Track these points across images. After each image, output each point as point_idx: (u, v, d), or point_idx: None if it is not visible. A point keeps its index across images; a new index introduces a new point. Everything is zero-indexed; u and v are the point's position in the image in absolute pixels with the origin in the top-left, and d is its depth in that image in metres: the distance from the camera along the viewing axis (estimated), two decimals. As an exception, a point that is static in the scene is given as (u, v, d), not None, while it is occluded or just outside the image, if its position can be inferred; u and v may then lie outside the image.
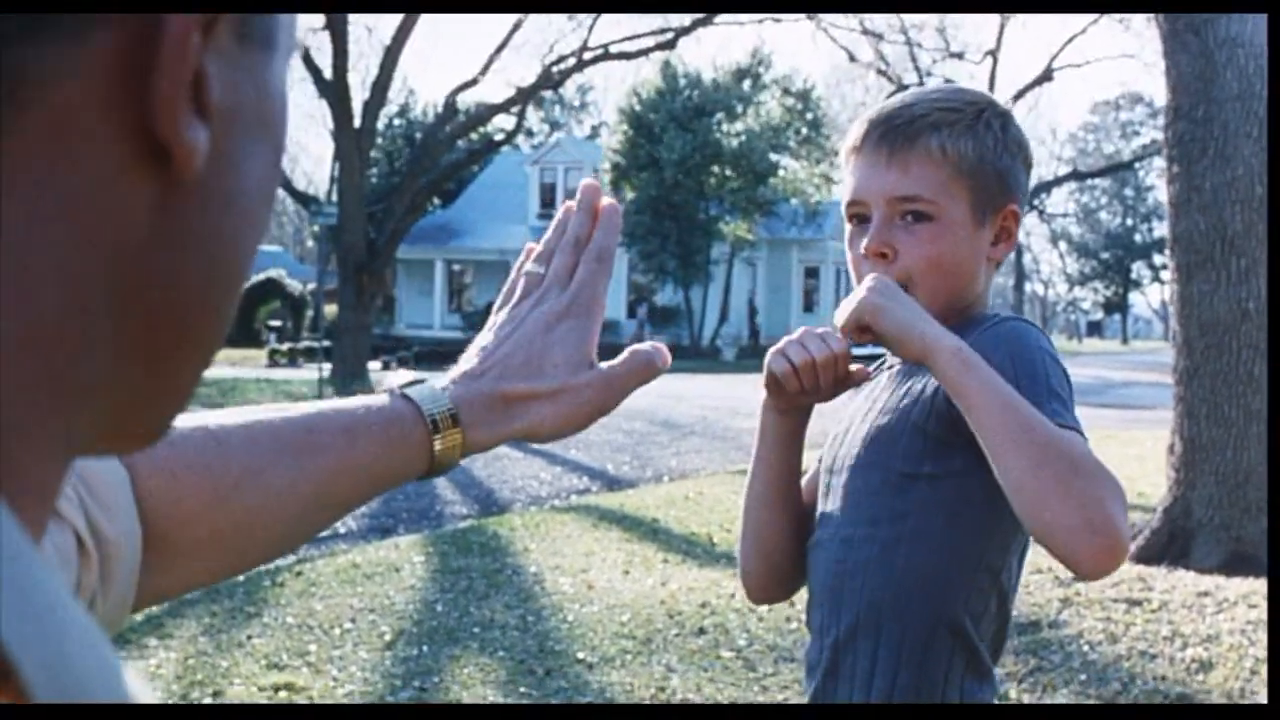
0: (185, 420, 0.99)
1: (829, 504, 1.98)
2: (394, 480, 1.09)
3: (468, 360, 1.15)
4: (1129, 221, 76.49)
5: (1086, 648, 6.24)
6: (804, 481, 2.08)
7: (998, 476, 1.68)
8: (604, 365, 1.14)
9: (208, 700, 5.76)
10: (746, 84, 46.11)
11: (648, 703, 5.75)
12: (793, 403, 1.96)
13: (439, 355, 42.17)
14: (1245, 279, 7.72)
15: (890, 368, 2.01)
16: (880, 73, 54.92)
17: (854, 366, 1.92)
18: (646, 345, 1.18)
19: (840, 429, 2.02)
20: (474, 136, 38.70)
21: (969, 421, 1.71)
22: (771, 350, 1.92)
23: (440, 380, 1.13)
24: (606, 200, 1.23)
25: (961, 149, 1.91)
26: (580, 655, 6.45)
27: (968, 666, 1.86)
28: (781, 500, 2.04)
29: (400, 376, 1.13)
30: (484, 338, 1.17)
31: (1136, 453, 15.33)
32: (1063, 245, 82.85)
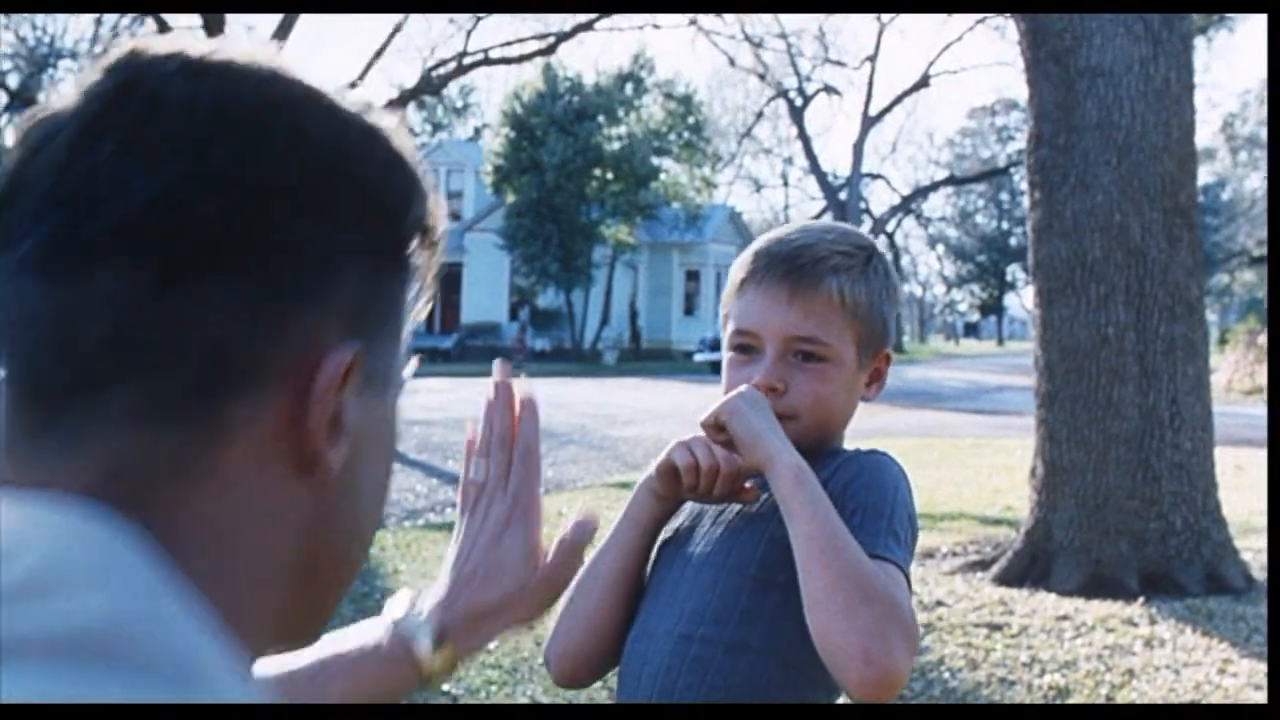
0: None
1: (666, 594, 1.96)
2: (395, 696, 1.29)
3: (444, 579, 1.32)
4: (1004, 225, 77.69)
5: (948, 674, 6.30)
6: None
7: (801, 590, 1.74)
8: (548, 559, 1.32)
9: None
10: (628, 88, 46.23)
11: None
12: (675, 495, 1.99)
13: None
14: (1105, 305, 7.85)
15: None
16: (760, 77, 55.30)
17: (749, 484, 1.96)
18: (567, 533, 1.31)
19: (686, 519, 2.02)
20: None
21: (790, 534, 1.77)
22: (678, 441, 1.96)
23: (429, 602, 1.30)
24: (522, 390, 1.36)
25: (857, 295, 1.98)
26: (445, 687, 6.40)
27: None
28: (626, 585, 2.01)
29: (393, 608, 1.30)
30: (453, 553, 1.34)
31: (1005, 462, 15.57)
32: (940, 248, 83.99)
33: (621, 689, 1.97)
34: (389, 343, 0.82)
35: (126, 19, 32.22)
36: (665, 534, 2.04)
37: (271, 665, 1.19)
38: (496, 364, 1.40)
